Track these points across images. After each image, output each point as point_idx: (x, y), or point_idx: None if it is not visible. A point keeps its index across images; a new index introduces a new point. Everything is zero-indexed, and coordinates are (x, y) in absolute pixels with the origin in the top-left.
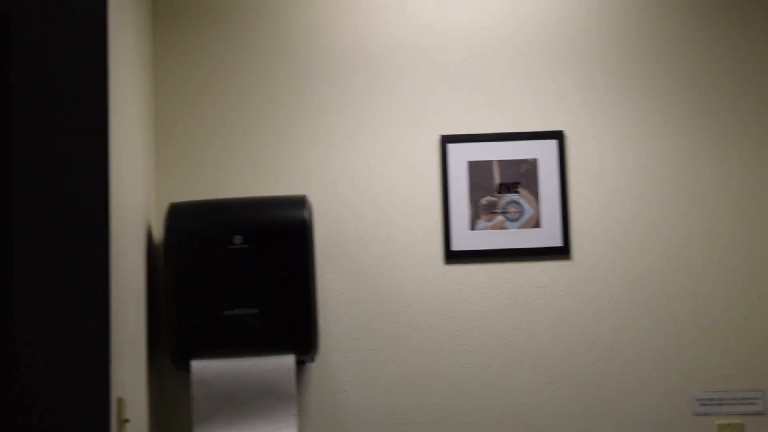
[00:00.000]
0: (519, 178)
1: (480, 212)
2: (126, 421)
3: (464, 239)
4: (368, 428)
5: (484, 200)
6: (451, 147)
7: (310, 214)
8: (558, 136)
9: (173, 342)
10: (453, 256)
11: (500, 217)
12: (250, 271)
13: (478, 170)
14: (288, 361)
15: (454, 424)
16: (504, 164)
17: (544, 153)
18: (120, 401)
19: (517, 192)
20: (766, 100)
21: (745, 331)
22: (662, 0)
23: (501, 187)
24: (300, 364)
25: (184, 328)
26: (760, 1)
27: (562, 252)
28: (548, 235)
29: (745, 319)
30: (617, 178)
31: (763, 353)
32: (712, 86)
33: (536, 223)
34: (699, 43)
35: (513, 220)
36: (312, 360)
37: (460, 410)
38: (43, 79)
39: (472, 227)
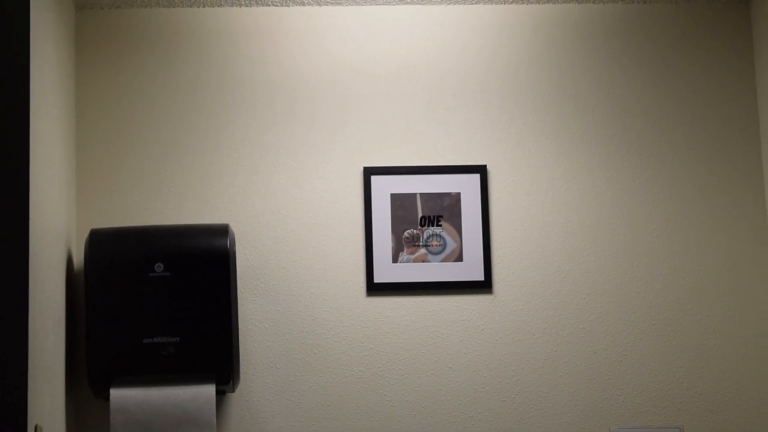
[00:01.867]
0: (442, 211)
1: (403, 245)
2: None
3: (387, 271)
4: None
5: (407, 233)
6: (375, 179)
7: (233, 243)
8: (481, 170)
9: (92, 369)
10: (375, 288)
11: (423, 250)
12: (171, 299)
13: (401, 203)
14: (208, 390)
15: None
16: (427, 197)
17: (467, 187)
18: (38, 428)
19: (439, 225)
20: (690, 137)
21: (663, 368)
22: (581, 35)
23: (424, 220)
24: (220, 393)
25: (103, 355)
26: (673, 34)
27: (483, 286)
28: (470, 269)
29: (663, 355)
30: (539, 213)
31: (681, 390)
32: (633, 122)
33: (459, 257)
34: (619, 80)
35: (435, 254)
36: (232, 390)
37: None
38: None
39: (395, 260)
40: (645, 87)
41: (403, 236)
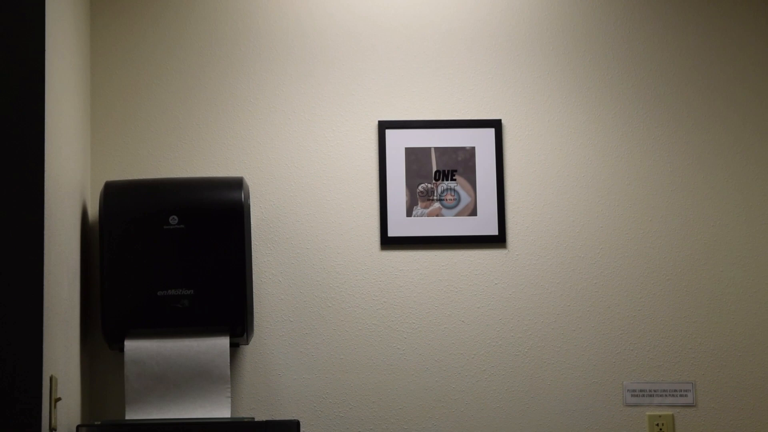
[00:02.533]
0: (456, 165)
1: (417, 199)
2: (58, 399)
3: (401, 225)
4: (302, 411)
5: (421, 187)
6: (389, 133)
7: (247, 196)
8: (496, 125)
9: (106, 321)
10: (389, 242)
11: (437, 204)
12: (185, 252)
13: (415, 157)
14: (222, 342)
15: (387, 409)
16: (441, 151)
17: (482, 141)
18: (52, 379)
19: (454, 180)
20: (706, 92)
21: (676, 323)
22: None
23: (438, 174)
24: (234, 346)
25: (118, 307)
26: None
27: (497, 240)
28: (484, 224)
29: (676, 311)
30: (554, 168)
31: (694, 345)
32: (652, 78)
33: (473, 211)
34: (639, 33)
35: (449, 208)
36: (246, 342)
37: (393, 395)
38: None
39: (409, 214)
40: (662, 42)
41: (418, 190)
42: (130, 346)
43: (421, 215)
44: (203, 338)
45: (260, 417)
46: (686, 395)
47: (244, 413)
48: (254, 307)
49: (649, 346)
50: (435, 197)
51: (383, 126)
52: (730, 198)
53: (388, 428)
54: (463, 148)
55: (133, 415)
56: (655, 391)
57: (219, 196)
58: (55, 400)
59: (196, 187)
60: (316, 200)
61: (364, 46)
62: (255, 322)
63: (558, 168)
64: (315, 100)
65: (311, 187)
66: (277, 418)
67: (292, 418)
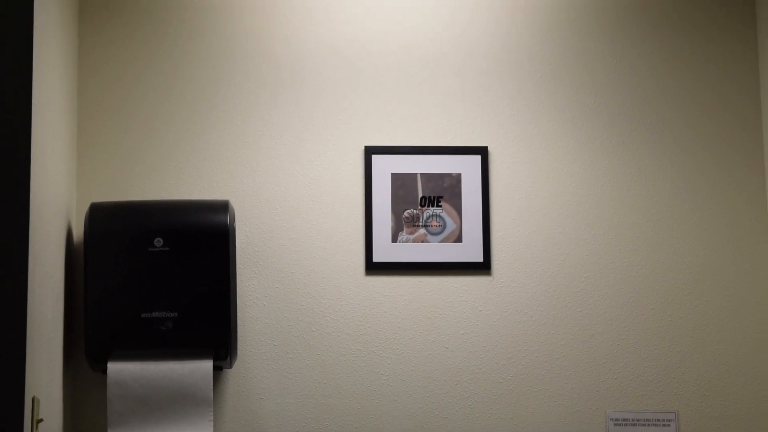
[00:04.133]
0: (442, 192)
1: (402, 224)
2: (40, 420)
3: (386, 251)
4: None
5: (407, 213)
6: (376, 158)
7: (232, 219)
8: (482, 151)
9: (90, 342)
10: (374, 267)
11: (422, 230)
12: (170, 275)
13: (401, 182)
14: (206, 366)
15: None
16: (427, 177)
17: (468, 168)
18: (35, 400)
19: (439, 206)
20: (693, 120)
21: (659, 353)
22: (586, 16)
23: (424, 200)
24: (217, 369)
25: (101, 328)
26: (676, 17)
27: (482, 267)
28: (469, 250)
29: (660, 340)
30: (540, 196)
31: (678, 375)
32: (638, 106)
33: (458, 238)
34: (627, 62)
35: (435, 234)
36: (230, 366)
37: (376, 420)
38: None
39: (394, 239)
40: (648, 71)
41: (403, 216)
42: (113, 368)
43: (407, 241)
44: (187, 361)
45: None
46: (669, 425)
47: None
48: (238, 330)
49: (632, 375)
50: (420, 223)
51: (369, 151)
52: (715, 228)
53: None
54: (449, 175)
55: None
56: (638, 420)
57: (204, 219)
58: (36, 422)
59: (181, 209)
60: (301, 224)
61: (352, 71)
62: (239, 346)
63: (544, 196)
64: (302, 125)
65: (297, 212)
66: None
67: None
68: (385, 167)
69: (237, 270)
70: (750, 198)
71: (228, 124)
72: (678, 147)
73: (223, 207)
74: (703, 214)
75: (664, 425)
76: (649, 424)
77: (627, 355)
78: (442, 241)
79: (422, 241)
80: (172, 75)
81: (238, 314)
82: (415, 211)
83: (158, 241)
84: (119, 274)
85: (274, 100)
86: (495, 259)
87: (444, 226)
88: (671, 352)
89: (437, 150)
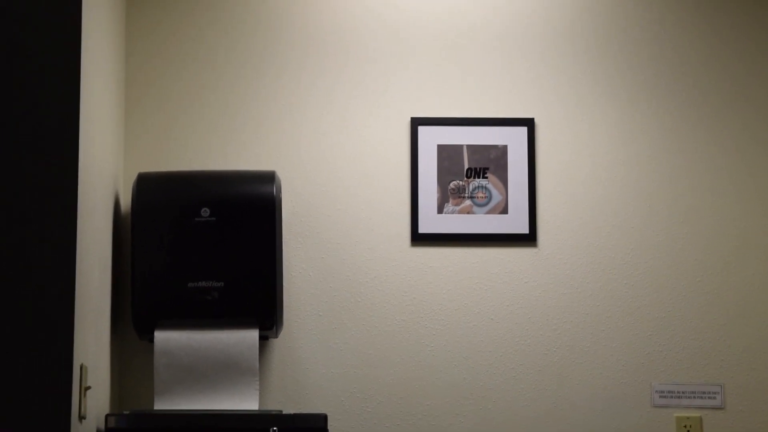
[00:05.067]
0: (488, 163)
1: (448, 196)
2: (88, 388)
3: (431, 222)
4: (329, 405)
5: (453, 184)
6: (422, 129)
7: (279, 190)
8: (529, 123)
9: (137, 311)
10: (419, 239)
11: (468, 202)
12: (216, 245)
13: (447, 154)
14: (251, 335)
15: (415, 405)
16: (473, 149)
17: (514, 140)
18: (83, 368)
19: (485, 177)
20: (734, 94)
21: (705, 325)
22: None
23: (470, 171)
24: (263, 339)
25: (148, 297)
26: None
27: (528, 239)
28: (515, 222)
29: (706, 312)
30: (585, 167)
31: (723, 347)
32: (685, 79)
33: (504, 209)
34: (675, 32)
35: (480, 206)
36: (275, 335)
37: (421, 391)
38: (16, 45)
39: (440, 211)
40: (691, 46)
41: (449, 187)
42: (160, 336)
43: (452, 212)
44: (232, 331)
45: (288, 410)
46: (715, 397)
47: (272, 406)
48: (284, 300)
49: (678, 347)
50: (466, 195)
51: (416, 123)
52: (758, 198)
53: (415, 424)
54: (495, 146)
55: (161, 405)
56: (683, 392)
57: (251, 190)
58: (84, 389)
59: (228, 180)
60: (347, 196)
61: (399, 41)
62: (284, 316)
63: (590, 167)
64: (349, 96)
65: (343, 183)
66: (304, 412)
67: (320, 412)
68: (431, 138)
69: (283, 240)
70: None
71: (274, 94)
72: (719, 120)
73: (269, 178)
74: (745, 186)
75: (710, 397)
76: (694, 396)
77: (672, 327)
78: (488, 212)
79: (468, 213)
80: (219, 45)
81: (284, 284)
82: (461, 183)
83: (205, 212)
84: (166, 243)
85: (320, 71)
86: (540, 230)
87: (490, 198)
88: (717, 324)
89: (483, 121)
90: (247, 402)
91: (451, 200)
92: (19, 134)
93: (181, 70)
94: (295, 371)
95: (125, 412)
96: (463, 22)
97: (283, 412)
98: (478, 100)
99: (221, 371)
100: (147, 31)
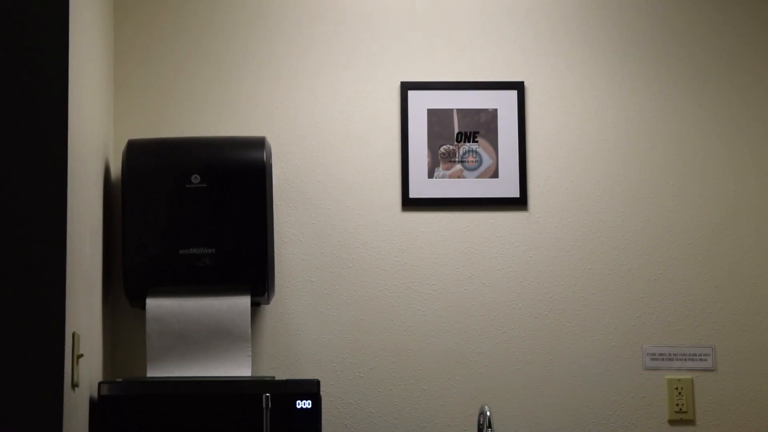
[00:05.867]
0: (478, 127)
1: (438, 160)
2: (80, 356)
3: (422, 187)
4: (321, 371)
5: (443, 148)
6: (412, 94)
7: (269, 156)
8: (518, 86)
9: (128, 278)
10: (410, 203)
11: (458, 166)
12: (207, 211)
13: (437, 118)
14: (243, 302)
15: (407, 370)
16: (463, 113)
17: (504, 103)
18: (75, 336)
19: (476, 141)
20: (726, 58)
21: (696, 287)
22: None
23: (460, 135)
24: (255, 305)
25: (139, 264)
26: None
27: (518, 203)
28: (506, 186)
29: (697, 275)
30: (576, 131)
31: (714, 309)
32: (676, 40)
33: (494, 174)
34: (657, 1)
35: (471, 170)
36: (267, 302)
37: (412, 356)
38: (2, 11)
39: (431, 175)
40: (681, 9)
41: (439, 152)
42: (152, 303)
43: (443, 177)
44: (224, 297)
45: (280, 376)
46: (706, 359)
47: (265, 372)
48: (275, 266)
49: (669, 309)
50: (457, 159)
51: (406, 87)
52: (752, 162)
53: (407, 389)
54: (485, 110)
55: (154, 372)
56: (674, 355)
57: (241, 156)
58: (77, 357)
59: (218, 146)
60: (338, 161)
61: (389, 6)
62: (276, 282)
63: (580, 130)
64: (338, 61)
65: (333, 148)
66: (297, 378)
67: (312, 378)
68: (421, 103)
69: (274, 206)
70: None
71: (265, 60)
72: (710, 83)
73: (259, 143)
74: (737, 149)
75: (700, 359)
76: (685, 359)
77: (663, 290)
78: (479, 176)
79: (458, 177)
80: (210, 11)
81: (275, 250)
82: (451, 147)
83: (195, 178)
84: (157, 210)
85: (310, 36)
86: (531, 194)
87: (480, 162)
88: (708, 286)
89: (473, 85)
90: (239, 368)
91: (441, 165)
92: (6, 103)
93: (172, 37)
94: (287, 337)
95: (118, 380)
96: None
97: (276, 378)
98: (467, 64)
99: (213, 338)
100: None
